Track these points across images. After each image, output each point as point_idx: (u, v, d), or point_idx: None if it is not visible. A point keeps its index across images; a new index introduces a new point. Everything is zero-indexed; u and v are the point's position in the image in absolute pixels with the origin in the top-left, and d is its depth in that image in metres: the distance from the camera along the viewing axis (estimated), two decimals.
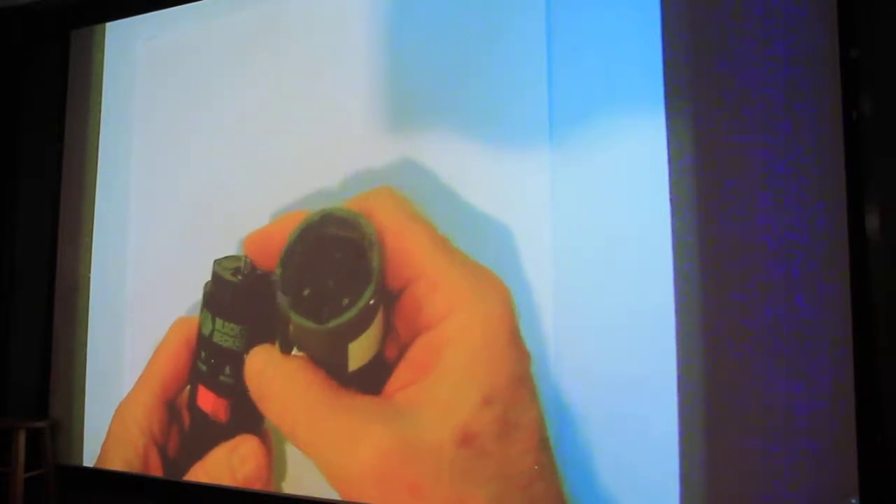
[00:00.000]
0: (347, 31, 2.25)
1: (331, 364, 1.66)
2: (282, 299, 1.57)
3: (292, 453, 2.17)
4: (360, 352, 1.61)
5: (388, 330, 1.69)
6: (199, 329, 2.19)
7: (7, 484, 2.43)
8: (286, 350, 1.68)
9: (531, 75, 1.96)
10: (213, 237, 2.37)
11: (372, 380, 1.65)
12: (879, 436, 1.58)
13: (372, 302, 1.53)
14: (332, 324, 1.54)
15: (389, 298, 1.66)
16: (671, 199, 1.78)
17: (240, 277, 2.08)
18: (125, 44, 2.68)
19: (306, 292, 1.58)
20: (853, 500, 1.55)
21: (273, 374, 1.65)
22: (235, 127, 2.41)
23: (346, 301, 1.53)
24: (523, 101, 1.97)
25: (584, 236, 1.87)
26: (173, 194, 2.51)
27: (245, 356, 2.11)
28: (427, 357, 1.56)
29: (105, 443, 2.44)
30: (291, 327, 1.61)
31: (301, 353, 1.70)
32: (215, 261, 2.17)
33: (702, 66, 1.78)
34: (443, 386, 1.53)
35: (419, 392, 1.54)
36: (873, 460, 1.57)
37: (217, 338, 2.11)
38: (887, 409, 1.59)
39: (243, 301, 2.11)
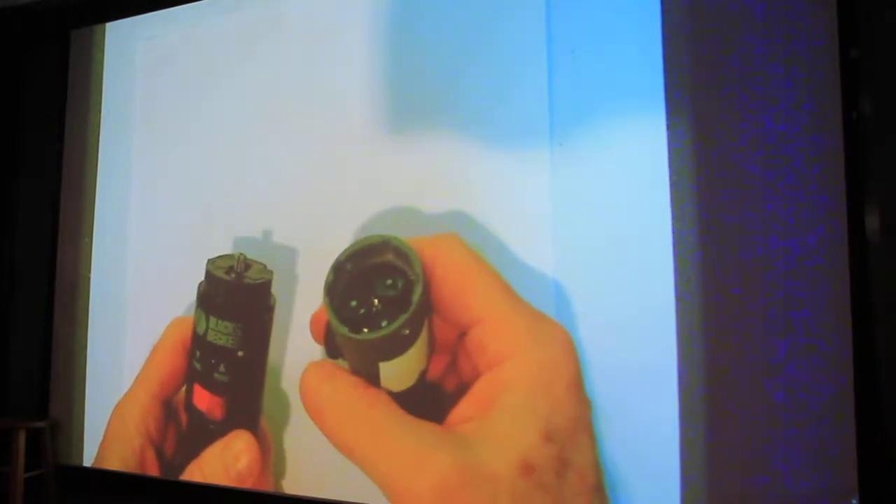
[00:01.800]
0: (347, 32, 2.25)
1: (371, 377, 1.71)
2: (325, 303, 1.62)
3: (292, 452, 2.18)
4: (393, 374, 1.66)
5: (450, 368, 1.76)
6: (194, 328, 2.20)
7: (7, 484, 2.43)
8: (333, 356, 1.73)
9: (531, 75, 1.96)
10: (213, 237, 2.38)
11: (429, 408, 1.70)
12: (879, 436, 1.58)
13: (407, 332, 1.58)
14: (361, 337, 1.59)
15: (448, 337, 1.73)
16: (671, 199, 1.78)
17: (233, 276, 2.10)
18: (125, 44, 2.68)
19: (353, 303, 1.62)
20: (853, 501, 1.55)
21: (333, 390, 1.69)
22: (235, 127, 2.41)
23: (384, 323, 1.59)
24: (523, 101, 1.97)
25: (584, 236, 1.87)
26: (173, 194, 2.51)
27: (239, 353, 2.13)
28: (489, 395, 1.62)
29: (103, 442, 2.43)
30: (338, 336, 1.67)
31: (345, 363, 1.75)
32: (209, 260, 2.18)
33: (702, 65, 1.78)
34: (503, 422, 1.59)
35: (480, 426, 1.60)
36: (873, 460, 1.57)
37: (211, 336, 2.13)
38: (887, 409, 1.59)
39: (237, 299, 2.12)
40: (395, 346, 1.62)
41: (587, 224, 1.87)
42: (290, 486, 2.18)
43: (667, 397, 1.73)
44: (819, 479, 1.59)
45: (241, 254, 2.15)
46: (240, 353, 2.13)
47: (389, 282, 1.63)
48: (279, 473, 2.20)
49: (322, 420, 1.70)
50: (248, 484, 2.16)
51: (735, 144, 1.73)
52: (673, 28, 1.82)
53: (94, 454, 2.50)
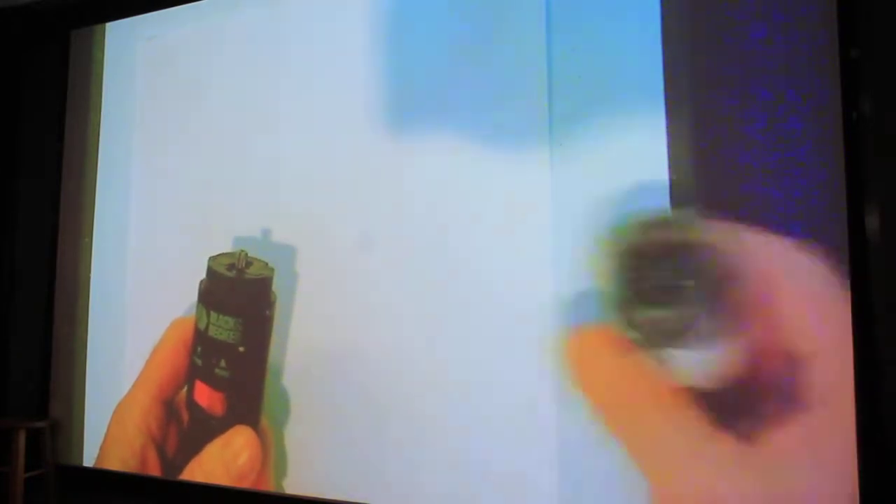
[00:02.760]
0: (347, 32, 2.25)
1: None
2: (620, 289, 1.55)
3: (293, 451, 2.18)
4: (682, 365, 1.58)
5: (774, 384, 1.64)
6: (195, 324, 2.21)
7: (7, 484, 2.43)
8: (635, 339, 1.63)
9: (531, 75, 1.96)
10: (213, 237, 2.37)
11: (738, 416, 1.60)
12: (879, 436, 1.58)
13: (701, 323, 1.52)
14: (647, 314, 1.53)
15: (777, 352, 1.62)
16: (671, 199, 1.78)
17: (234, 272, 2.13)
18: (125, 44, 2.68)
19: (648, 285, 1.58)
20: (853, 501, 1.55)
21: (617, 366, 1.59)
22: (235, 127, 2.41)
23: (679, 309, 1.53)
24: (523, 99, 1.97)
25: (584, 236, 1.86)
26: (173, 194, 2.51)
27: (240, 349, 2.15)
28: (816, 433, 1.50)
29: (103, 443, 2.44)
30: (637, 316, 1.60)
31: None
32: (210, 257, 2.20)
33: (702, 64, 1.78)
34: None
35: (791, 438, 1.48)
36: (873, 460, 1.57)
37: (212, 331, 2.15)
38: (887, 409, 1.59)
39: (238, 294, 2.15)
40: (684, 333, 1.53)
41: (587, 223, 1.87)
42: (292, 486, 2.18)
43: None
44: (819, 480, 1.59)
45: (242, 251, 2.17)
46: (241, 349, 2.15)
47: (677, 264, 1.55)
48: (280, 473, 2.20)
49: (593, 392, 1.59)
50: (248, 481, 2.16)
51: (735, 144, 1.73)
52: (673, 27, 1.82)
53: (94, 454, 2.50)
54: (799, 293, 1.55)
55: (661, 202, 1.78)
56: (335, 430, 2.11)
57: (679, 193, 1.77)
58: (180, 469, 2.28)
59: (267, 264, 2.21)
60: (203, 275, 2.28)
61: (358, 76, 2.21)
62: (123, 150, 2.63)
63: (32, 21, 2.88)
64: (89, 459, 2.54)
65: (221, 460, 2.16)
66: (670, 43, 1.82)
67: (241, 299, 2.16)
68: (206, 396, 2.17)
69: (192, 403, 2.22)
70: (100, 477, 2.48)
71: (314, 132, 2.27)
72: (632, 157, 1.83)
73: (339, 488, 2.09)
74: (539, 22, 1.97)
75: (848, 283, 1.61)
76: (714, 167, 1.75)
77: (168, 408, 2.28)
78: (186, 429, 2.27)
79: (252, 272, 2.17)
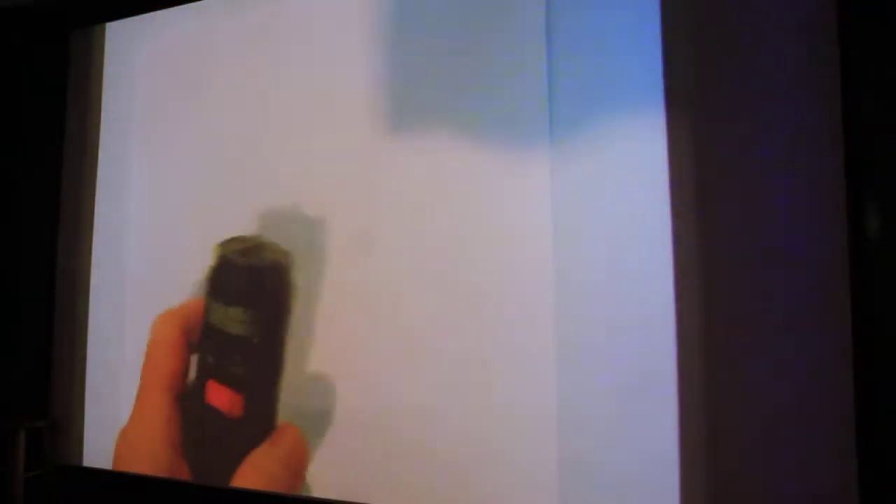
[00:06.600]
0: (347, 32, 2.25)
1: None
2: None
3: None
4: None
5: None
6: (205, 318, 2.15)
7: (7, 484, 2.43)
8: None
9: (531, 75, 1.96)
10: (212, 236, 2.37)
11: None
12: (879, 436, 1.58)
13: None
14: None
15: None
16: (671, 199, 1.78)
17: (247, 259, 2.04)
18: (125, 44, 2.68)
19: None
20: (853, 501, 1.55)
21: None
22: (234, 126, 2.41)
23: None
24: (523, 100, 1.97)
25: (584, 236, 1.87)
26: (172, 193, 2.51)
27: (254, 341, 2.07)
28: None
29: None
30: None
31: None
32: (218, 244, 2.14)
33: (701, 65, 1.78)
34: None
35: None
36: (873, 460, 1.57)
37: (226, 325, 2.06)
38: (887, 409, 1.59)
39: (253, 284, 2.05)
40: None
41: (587, 223, 1.87)
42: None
43: (667, 397, 1.73)
44: (819, 479, 1.59)
45: (255, 236, 2.07)
46: (255, 341, 2.05)
47: None
48: None
49: None
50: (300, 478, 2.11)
51: (735, 144, 1.73)
52: (672, 28, 1.82)
53: (95, 454, 2.50)
54: None
55: (661, 203, 1.78)
56: (345, 432, 2.12)
57: (679, 193, 1.77)
58: (211, 468, 2.23)
59: (279, 246, 2.11)
60: (203, 273, 2.26)
61: (358, 77, 2.21)
62: (123, 150, 2.63)
63: (32, 21, 2.88)
64: (89, 459, 2.54)
65: (278, 460, 2.09)
66: (670, 42, 1.82)
67: (255, 288, 2.05)
68: (223, 398, 2.07)
69: (206, 405, 2.14)
70: (99, 477, 2.48)
71: (313, 132, 2.27)
72: (632, 157, 1.83)
73: (340, 489, 2.09)
74: (539, 21, 1.97)
75: (848, 282, 1.61)
76: (714, 167, 1.75)
77: (181, 406, 2.24)
78: (205, 430, 2.23)
79: (266, 256, 2.06)
